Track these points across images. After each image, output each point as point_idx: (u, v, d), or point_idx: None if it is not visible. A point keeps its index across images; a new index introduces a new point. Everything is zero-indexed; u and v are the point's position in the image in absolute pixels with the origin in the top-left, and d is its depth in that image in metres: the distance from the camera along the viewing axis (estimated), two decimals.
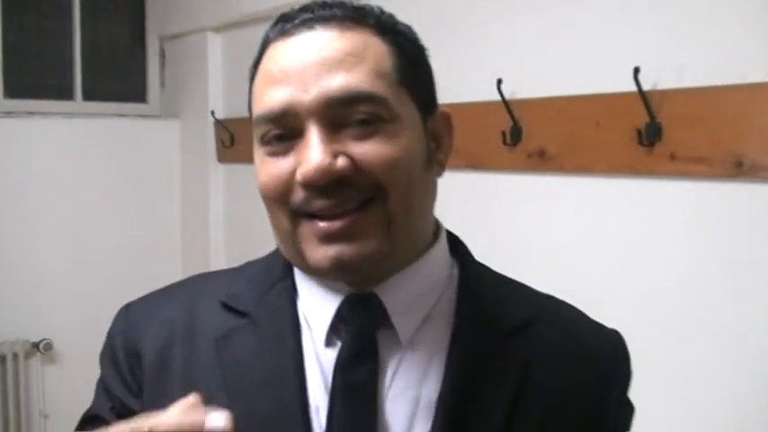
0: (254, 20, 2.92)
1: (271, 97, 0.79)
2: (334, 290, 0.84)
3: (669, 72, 1.70)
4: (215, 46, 3.42)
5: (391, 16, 0.85)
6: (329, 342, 0.84)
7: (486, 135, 2.10)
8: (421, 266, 0.85)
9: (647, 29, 1.78)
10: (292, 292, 0.88)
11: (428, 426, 0.81)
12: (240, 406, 0.79)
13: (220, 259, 3.39)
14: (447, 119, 0.88)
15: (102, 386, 0.91)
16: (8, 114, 3.34)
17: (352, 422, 0.80)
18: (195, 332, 0.88)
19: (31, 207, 3.33)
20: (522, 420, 0.82)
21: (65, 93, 3.56)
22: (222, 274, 0.98)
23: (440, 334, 0.85)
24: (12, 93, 3.42)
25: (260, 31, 0.87)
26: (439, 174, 0.87)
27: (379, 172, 0.77)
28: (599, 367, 0.89)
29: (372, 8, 0.84)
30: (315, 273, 0.83)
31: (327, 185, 0.76)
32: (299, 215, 0.79)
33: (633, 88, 1.72)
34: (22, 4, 3.46)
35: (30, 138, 3.34)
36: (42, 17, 3.52)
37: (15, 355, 3.26)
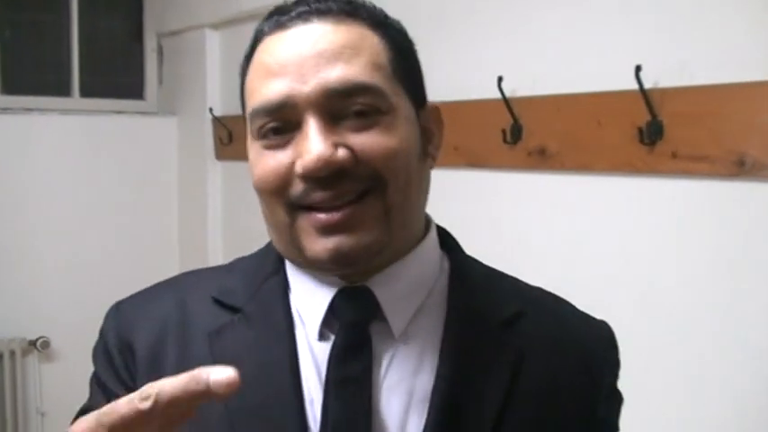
0: (252, 16, 2.90)
1: (268, 89, 0.79)
2: (327, 284, 0.85)
3: (671, 70, 1.70)
4: (213, 43, 3.41)
5: (382, 10, 0.86)
6: (322, 336, 0.84)
7: (487, 133, 2.09)
8: (412, 259, 0.86)
9: (648, 27, 1.77)
10: (284, 286, 0.88)
11: (423, 418, 0.81)
12: (235, 400, 0.78)
13: (218, 257, 3.38)
14: (437, 113, 0.90)
15: (97, 382, 0.91)
16: (5, 111, 3.33)
17: (346, 415, 0.80)
18: (188, 328, 0.88)
19: (28, 204, 3.32)
20: (515, 410, 0.83)
21: (62, 89, 3.55)
22: (212, 270, 0.98)
23: (432, 326, 0.85)
24: (9, 89, 3.41)
25: None
26: (431, 167, 0.88)
27: (378, 163, 0.78)
28: (589, 357, 0.90)
29: (364, 2, 0.85)
30: (313, 265, 0.83)
31: (328, 177, 0.76)
32: (296, 208, 0.80)
33: (634, 86, 1.71)
34: (19, 1, 3.45)
35: (27, 134, 3.33)
36: (39, 13, 3.51)
37: (12, 353, 3.25)
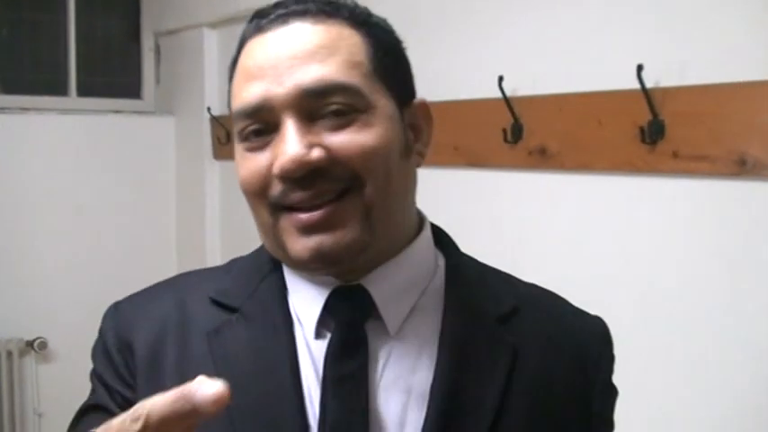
0: (250, 16, 2.88)
1: (247, 92, 0.80)
2: (322, 283, 0.85)
3: (672, 69, 1.70)
4: (211, 42, 3.40)
5: (365, 9, 0.86)
6: (319, 334, 0.85)
7: (487, 133, 2.09)
8: (406, 257, 0.86)
9: (650, 26, 1.77)
10: (281, 286, 0.88)
11: (421, 415, 0.81)
12: (235, 398, 0.79)
13: (216, 256, 3.37)
14: (425, 109, 0.89)
15: (98, 379, 0.91)
16: (2, 110, 3.31)
17: (344, 413, 0.80)
18: (186, 327, 0.88)
19: (26, 204, 3.30)
20: (512, 406, 0.83)
21: (59, 89, 3.53)
22: (208, 271, 0.98)
23: (428, 324, 0.86)
24: (6, 88, 3.40)
25: None
26: (419, 164, 0.88)
27: (354, 161, 0.78)
28: (583, 352, 0.90)
29: (346, 2, 0.85)
30: (297, 265, 0.84)
31: (304, 177, 0.77)
32: (278, 209, 0.80)
33: (635, 86, 1.71)
34: (16, 0, 3.44)
35: (24, 134, 3.32)
36: (37, 13, 3.50)
37: (9, 354, 3.24)
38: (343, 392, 0.81)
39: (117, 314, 0.93)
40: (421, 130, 0.88)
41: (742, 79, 1.59)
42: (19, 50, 3.46)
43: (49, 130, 3.37)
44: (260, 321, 0.86)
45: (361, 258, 0.82)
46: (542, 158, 1.98)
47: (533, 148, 2.00)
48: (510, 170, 2.08)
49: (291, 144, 0.77)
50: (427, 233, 0.91)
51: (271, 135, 0.80)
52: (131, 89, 3.73)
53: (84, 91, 3.57)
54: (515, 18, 2.07)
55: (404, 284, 0.86)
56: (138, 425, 0.52)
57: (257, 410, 0.82)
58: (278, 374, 0.83)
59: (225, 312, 0.88)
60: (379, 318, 0.84)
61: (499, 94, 2.02)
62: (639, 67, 1.68)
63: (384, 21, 0.88)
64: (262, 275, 0.90)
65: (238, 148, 0.84)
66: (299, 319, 0.86)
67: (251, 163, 0.81)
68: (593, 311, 0.96)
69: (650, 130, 1.72)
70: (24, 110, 3.36)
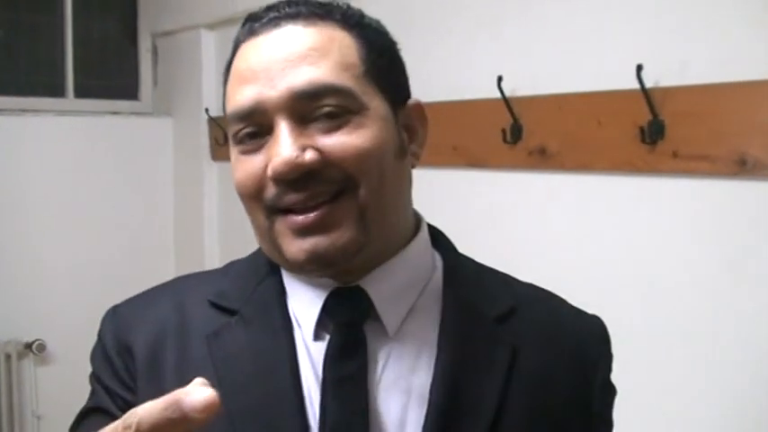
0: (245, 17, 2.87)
1: (241, 96, 0.81)
2: (320, 285, 0.86)
3: (671, 69, 1.70)
4: (209, 43, 3.40)
5: (358, 10, 0.87)
6: (317, 336, 0.85)
7: (487, 133, 2.09)
8: (404, 258, 0.87)
9: (649, 25, 1.77)
10: (280, 288, 0.89)
11: (421, 415, 0.82)
12: (235, 400, 0.81)
13: (214, 258, 3.37)
14: (420, 110, 0.90)
15: (98, 382, 0.91)
16: None
17: (344, 414, 0.81)
18: (185, 330, 0.88)
19: (23, 206, 3.29)
20: (511, 406, 0.83)
21: (56, 90, 3.52)
22: (206, 274, 0.99)
23: (427, 324, 0.86)
24: (2, 90, 3.38)
25: None
26: (414, 165, 0.89)
27: (347, 163, 0.79)
28: (582, 351, 0.91)
29: (338, 4, 0.86)
30: (293, 267, 0.84)
31: (297, 179, 0.78)
32: (274, 211, 0.81)
33: (635, 85, 1.70)
34: (12, 1, 3.43)
35: (21, 136, 3.30)
36: (33, 14, 3.48)
37: (8, 356, 3.22)
38: (342, 394, 0.81)
39: (115, 317, 0.93)
40: (416, 131, 0.89)
41: (742, 79, 1.59)
42: (16, 52, 3.45)
43: (47, 132, 3.36)
44: (259, 324, 0.86)
45: (357, 259, 0.82)
46: (542, 159, 1.98)
47: (533, 148, 2.00)
48: (509, 170, 2.08)
49: (284, 147, 0.77)
50: (424, 234, 0.91)
51: (265, 138, 0.80)
52: (129, 90, 3.72)
53: (81, 92, 3.55)
54: (514, 18, 2.07)
55: (402, 285, 0.86)
56: None
57: (257, 412, 0.82)
58: (278, 376, 0.83)
59: (224, 315, 0.88)
60: (377, 319, 0.84)
61: (498, 95, 2.02)
62: (639, 67, 1.68)
63: (377, 22, 0.88)
64: (259, 278, 0.90)
65: (233, 150, 0.84)
66: (297, 321, 0.86)
67: (246, 166, 0.82)
68: (593, 311, 0.96)
69: (650, 130, 1.72)
70: (21, 111, 3.34)
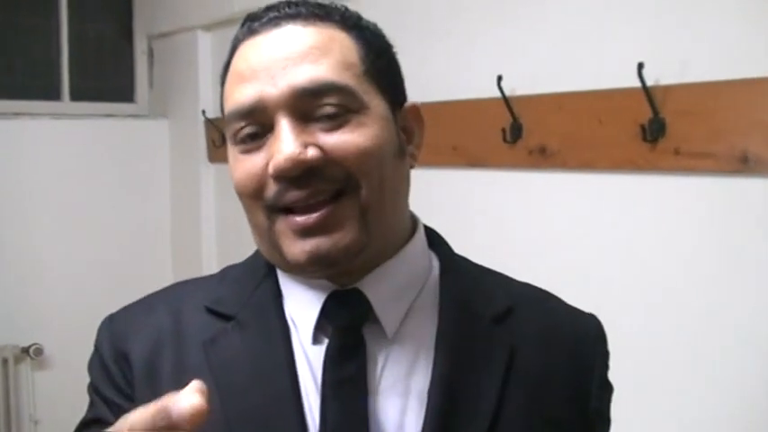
0: (243, 18, 2.86)
1: (241, 94, 0.81)
2: (318, 287, 0.85)
3: (672, 67, 1.69)
4: (205, 44, 3.38)
5: (356, 13, 0.88)
6: (316, 340, 0.85)
7: (486, 132, 2.08)
8: (401, 259, 0.87)
9: (650, 23, 1.76)
10: (276, 292, 0.88)
11: (420, 417, 0.82)
12: (233, 405, 0.82)
13: (212, 261, 3.36)
14: (417, 112, 0.91)
15: (96, 393, 0.91)
16: None
17: (344, 417, 0.81)
18: (182, 337, 0.88)
19: (20, 210, 3.28)
20: (509, 406, 0.84)
21: (52, 93, 3.51)
22: (202, 280, 0.98)
23: (424, 325, 0.86)
24: None
25: None
26: (411, 166, 0.89)
27: (349, 161, 0.79)
28: (578, 350, 0.91)
29: (337, 5, 0.87)
30: (293, 268, 0.84)
31: (299, 176, 0.78)
32: (274, 211, 0.81)
33: (635, 84, 1.70)
34: (7, 2, 3.41)
35: (16, 139, 3.29)
36: (28, 17, 3.47)
37: (5, 360, 3.21)
38: (342, 397, 0.81)
39: (112, 326, 0.93)
40: (413, 133, 0.89)
41: (743, 76, 1.58)
42: (11, 55, 3.43)
43: (42, 136, 3.35)
44: (256, 328, 0.86)
45: (358, 260, 0.82)
46: (542, 158, 1.98)
47: (533, 147, 2.00)
48: (509, 170, 2.08)
49: (287, 143, 0.77)
50: (421, 235, 0.91)
51: (265, 137, 0.80)
52: (124, 93, 3.71)
53: (76, 95, 3.54)
54: (514, 17, 2.06)
55: (400, 287, 0.86)
56: None
57: (256, 418, 0.83)
58: (276, 381, 0.83)
59: (220, 321, 0.88)
60: (375, 321, 0.84)
61: (498, 94, 2.01)
62: (640, 66, 1.68)
63: (374, 25, 0.89)
64: (256, 282, 0.90)
65: (232, 150, 0.84)
66: (294, 325, 0.87)
67: (246, 165, 0.81)
68: (595, 310, 0.96)
69: (651, 128, 1.71)
70: (17, 115, 3.33)
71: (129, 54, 3.72)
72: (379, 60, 0.85)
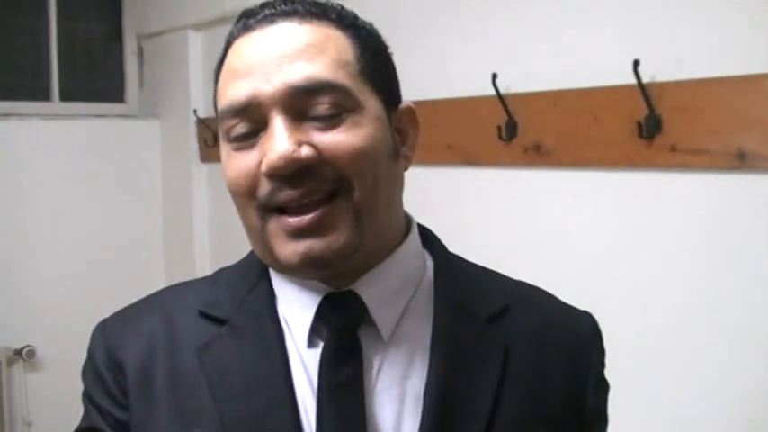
0: (235, 17, 2.84)
1: (235, 90, 0.80)
2: (312, 290, 0.85)
3: (668, 64, 1.69)
4: (196, 44, 3.37)
5: (352, 12, 0.87)
6: (311, 343, 0.84)
7: (481, 130, 2.08)
8: (396, 260, 0.86)
9: (645, 20, 1.76)
10: (270, 295, 0.88)
11: (417, 419, 0.81)
12: (228, 411, 0.81)
13: (205, 261, 3.35)
14: (411, 114, 0.90)
15: (90, 402, 0.90)
16: None
17: (340, 421, 0.80)
18: (176, 343, 0.88)
19: (10, 212, 3.26)
20: (506, 406, 0.83)
21: (41, 94, 3.48)
22: (195, 283, 0.98)
23: (420, 326, 0.86)
24: None
25: None
26: (405, 168, 0.88)
27: (343, 162, 0.78)
28: (574, 348, 0.91)
29: (333, 4, 0.86)
30: (285, 269, 0.84)
31: (293, 175, 0.77)
32: (267, 211, 0.80)
33: (631, 81, 1.70)
34: None
35: (6, 140, 3.26)
36: (17, 17, 3.44)
37: None
38: (338, 401, 0.81)
39: (105, 332, 0.92)
40: (407, 135, 0.89)
41: (739, 73, 1.58)
42: None
43: (32, 136, 3.32)
44: (250, 332, 0.86)
45: (351, 262, 0.81)
46: (537, 155, 1.97)
47: (528, 145, 1.99)
48: (504, 168, 2.07)
49: (280, 141, 0.77)
50: (415, 234, 0.91)
51: (258, 135, 0.79)
52: (115, 93, 3.69)
53: (66, 96, 3.52)
54: (509, 14, 2.06)
55: (395, 288, 0.86)
56: None
57: (251, 423, 0.82)
58: (271, 386, 0.83)
59: (214, 325, 0.88)
60: (371, 323, 0.84)
61: (493, 92, 2.01)
62: (636, 63, 1.68)
63: (370, 25, 0.89)
64: (250, 285, 0.89)
65: (225, 148, 0.83)
66: (289, 328, 0.86)
67: (239, 163, 0.80)
68: (591, 308, 0.96)
69: (647, 125, 1.71)
70: (6, 116, 3.30)
71: (119, 54, 3.70)
72: (375, 60, 0.84)
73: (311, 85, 0.78)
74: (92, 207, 3.42)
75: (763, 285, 1.59)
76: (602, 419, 0.93)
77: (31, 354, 3.26)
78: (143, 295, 0.97)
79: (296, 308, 0.86)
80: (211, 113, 3.20)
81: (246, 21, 0.83)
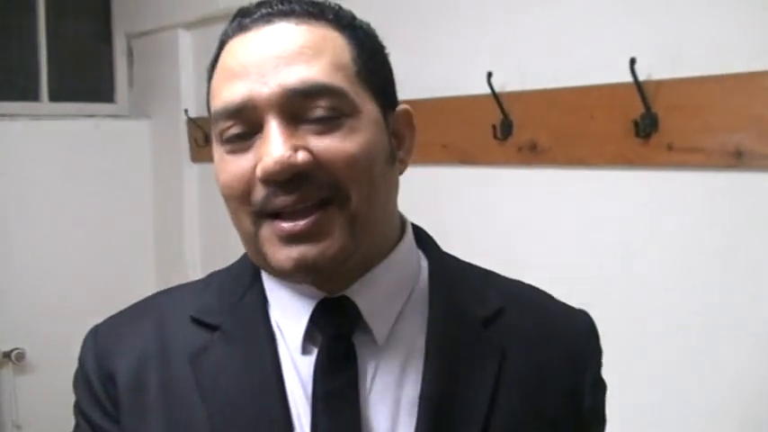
0: (227, 16, 2.82)
1: (230, 91, 0.78)
2: (306, 295, 0.84)
3: (664, 62, 1.69)
4: (186, 43, 3.35)
5: (350, 12, 0.86)
6: (305, 350, 0.83)
7: (476, 129, 2.07)
8: (391, 264, 0.85)
9: (641, 18, 1.75)
10: (263, 300, 0.87)
11: (412, 425, 0.81)
12: (221, 420, 0.80)
13: (196, 262, 3.34)
14: (408, 117, 0.89)
15: (81, 413, 0.89)
16: None
17: (336, 428, 0.79)
18: (168, 351, 0.87)
19: None
20: (502, 409, 0.83)
21: (30, 94, 3.45)
22: (187, 287, 0.97)
23: (415, 330, 0.85)
24: None
25: None
26: (401, 171, 0.87)
27: (339, 168, 0.77)
28: (571, 348, 0.91)
29: (330, 4, 0.85)
30: (278, 274, 0.82)
31: (289, 181, 0.76)
32: (261, 216, 0.79)
33: (627, 79, 1.69)
34: None
35: None
36: (5, 15, 3.41)
37: None
38: (333, 408, 0.80)
39: (97, 340, 0.91)
40: (404, 138, 0.88)
41: (735, 71, 1.58)
42: None
43: (21, 137, 3.29)
44: (242, 339, 0.85)
45: (345, 267, 0.80)
46: (533, 154, 1.97)
47: (523, 143, 1.99)
48: (500, 167, 2.06)
49: (276, 145, 0.75)
50: (409, 236, 0.90)
51: (253, 138, 0.78)
52: (104, 93, 3.67)
53: (55, 96, 3.49)
54: (503, 12, 2.05)
55: (390, 292, 0.85)
56: None
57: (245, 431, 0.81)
58: (264, 394, 0.82)
59: (206, 331, 0.87)
60: (365, 328, 0.83)
61: (488, 90, 2.00)
62: (632, 60, 1.67)
63: (368, 25, 0.87)
64: (242, 290, 0.88)
65: (218, 150, 0.81)
66: (282, 334, 0.85)
67: (232, 166, 0.79)
68: (587, 307, 0.96)
69: (644, 123, 1.71)
70: None
71: (109, 53, 3.68)
72: (372, 62, 0.83)
73: (308, 89, 0.76)
74: (82, 208, 3.40)
75: (760, 284, 1.59)
76: (600, 419, 0.93)
77: (21, 356, 3.23)
78: (134, 296, 0.96)
79: (289, 314, 0.85)
80: (202, 113, 3.20)
81: (242, 20, 0.82)
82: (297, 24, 0.80)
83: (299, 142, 0.76)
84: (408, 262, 0.88)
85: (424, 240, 0.92)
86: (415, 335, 0.85)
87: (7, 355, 3.21)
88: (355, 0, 0.88)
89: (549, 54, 1.94)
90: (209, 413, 0.81)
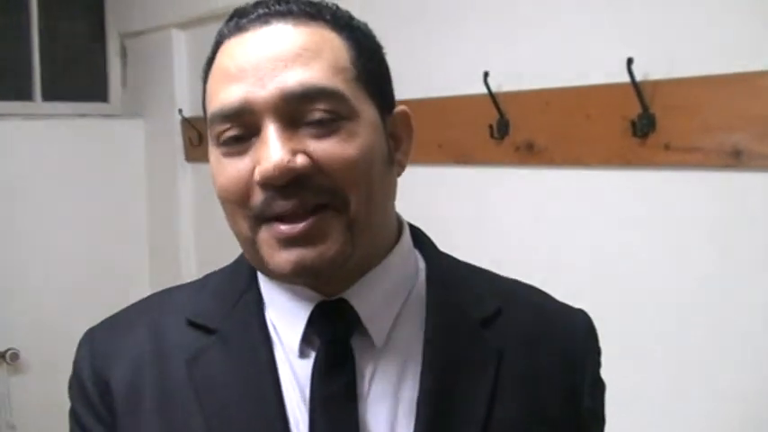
0: (221, 15, 2.82)
1: (227, 94, 0.77)
2: (303, 298, 0.83)
3: (661, 62, 1.68)
4: (180, 43, 3.35)
5: (347, 12, 0.85)
6: (302, 353, 0.83)
7: (473, 129, 2.07)
8: (388, 266, 0.85)
9: (638, 18, 1.75)
10: (259, 303, 0.86)
11: (411, 427, 0.80)
12: (218, 425, 0.80)
13: (191, 262, 3.33)
14: (406, 118, 0.88)
15: (76, 420, 0.89)
16: None
17: (335, 431, 0.79)
18: (164, 355, 0.86)
19: None
20: (500, 410, 0.82)
21: (23, 93, 3.44)
22: (184, 288, 0.96)
23: (413, 331, 0.85)
24: None
25: None
26: (399, 173, 0.87)
27: (338, 173, 0.76)
28: (570, 347, 0.90)
29: (328, 4, 0.84)
30: (276, 277, 0.82)
31: (287, 185, 0.75)
32: (260, 220, 0.78)
33: (624, 79, 1.69)
34: None
35: None
36: None
37: None
38: (331, 411, 0.79)
39: (92, 345, 0.90)
40: (401, 140, 0.87)
41: (733, 71, 1.58)
42: None
43: (14, 136, 3.28)
44: (239, 343, 0.84)
45: (342, 270, 0.80)
46: (529, 154, 1.97)
47: (520, 143, 1.99)
48: (496, 166, 2.06)
49: (274, 150, 0.74)
50: (407, 237, 0.89)
51: (250, 140, 0.77)
52: (97, 92, 3.66)
53: (48, 95, 3.49)
54: (500, 12, 2.05)
55: (387, 295, 0.84)
56: None
57: None
58: (262, 398, 0.81)
59: (203, 335, 0.86)
60: (363, 331, 0.82)
61: (484, 90, 2.00)
62: (630, 61, 1.67)
63: (365, 25, 0.86)
64: (239, 292, 0.87)
65: (214, 152, 0.80)
66: (279, 337, 0.84)
67: (230, 169, 0.78)
68: (585, 306, 0.95)
69: (641, 123, 1.71)
70: None
71: (102, 53, 3.67)
72: (370, 63, 0.82)
73: (306, 92, 0.75)
74: (75, 208, 3.39)
75: (758, 283, 1.59)
76: (599, 419, 0.92)
77: (15, 357, 3.23)
78: (127, 295, 0.96)
79: (286, 317, 0.84)
80: (196, 113, 3.19)
81: (239, 20, 0.80)
82: (294, 26, 0.79)
83: (298, 146, 0.75)
84: (405, 263, 0.88)
85: (421, 241, 0.92)
86: (413, 337, 0.84)
87: (1, 355, 3.21)
88: (353, 0, 0.87)
89: (546, 54, 1.94)
90: (205, 417, 0.81)
